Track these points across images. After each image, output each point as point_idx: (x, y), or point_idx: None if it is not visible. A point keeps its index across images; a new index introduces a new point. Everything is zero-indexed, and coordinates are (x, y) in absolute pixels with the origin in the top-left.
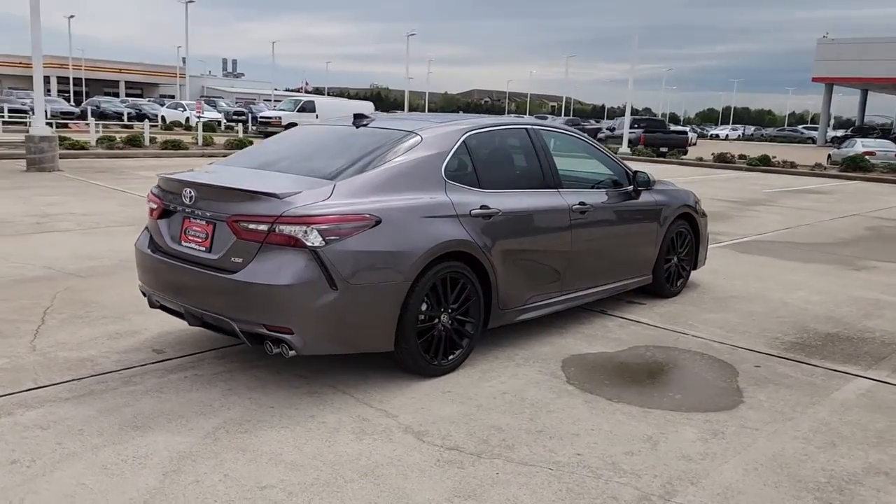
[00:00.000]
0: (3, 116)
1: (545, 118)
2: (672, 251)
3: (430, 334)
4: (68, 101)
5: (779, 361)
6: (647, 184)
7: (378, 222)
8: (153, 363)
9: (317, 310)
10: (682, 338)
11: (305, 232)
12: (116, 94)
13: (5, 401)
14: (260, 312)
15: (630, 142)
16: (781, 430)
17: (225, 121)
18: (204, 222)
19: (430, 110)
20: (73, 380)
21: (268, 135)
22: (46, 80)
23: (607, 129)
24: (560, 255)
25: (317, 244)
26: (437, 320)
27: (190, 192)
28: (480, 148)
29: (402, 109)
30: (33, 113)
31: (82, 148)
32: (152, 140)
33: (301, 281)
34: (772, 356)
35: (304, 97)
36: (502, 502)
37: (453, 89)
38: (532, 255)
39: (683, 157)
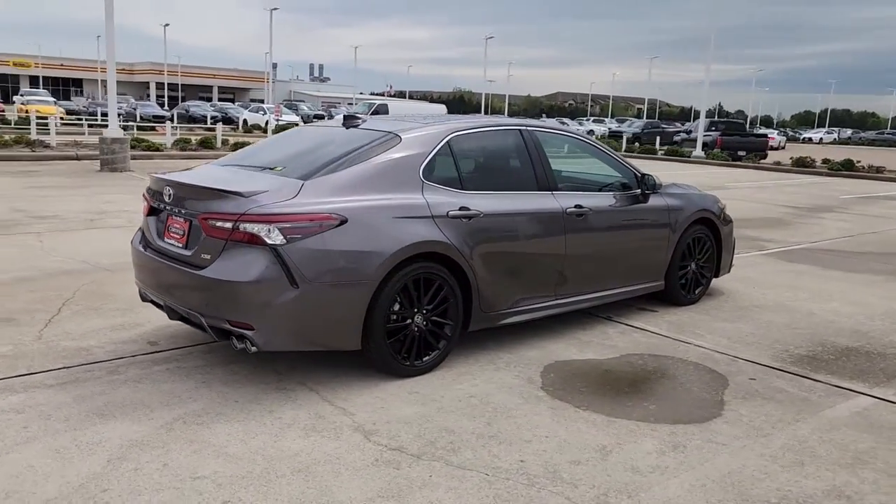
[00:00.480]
0: (96, 119)
1: (624, 121)
2: (689, 257)
3: (403, 335)
4: (162, 105)
5: (778, 375)
6: (654, 187)
7: (343, 222)
8: (143, 354)
9: (277, 307)
10: (682, 347)
11: (267, 230)
12: (210, 99)
13: None
14: (224, 308)
15: (705, 144)
16: (750, 446)
17: (302, 123)
18: (182, 219)
19: (511, 113)
20: (63, 367)
21: None
22: (146, 85)
23: (684, 131)
24: (554, 259)
25: (278, 242)
26: (410, 321)
27: (169, 191)
28: (465, 149)
29: (484, 112)
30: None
31: (156, 149)
32: (224, 142)
33: (261, 278)
34: (773, 369)
35: (378, 100)
36: None
37: (537, 92)
38: (520, 258)
39: (761, 161)
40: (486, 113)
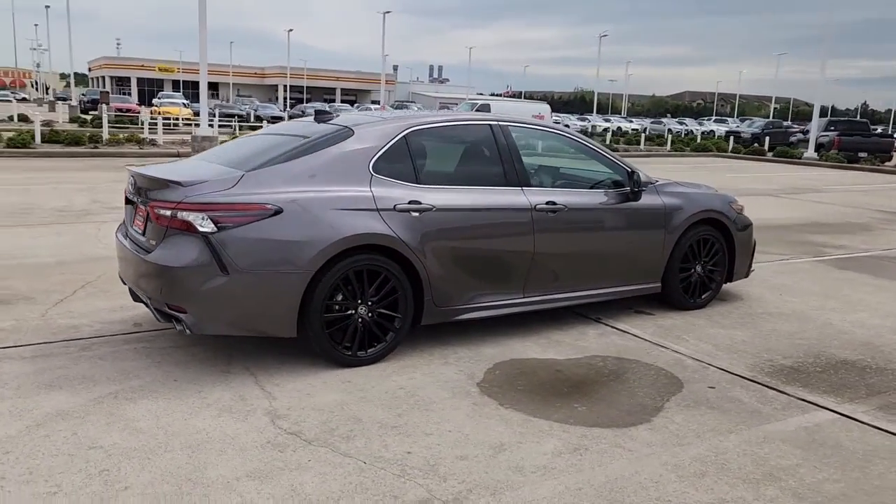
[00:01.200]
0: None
1: (745, 121)
2: (692, 260)
3: (345, 325)
4: (292, 107)
5: (744, 385)
6: (640, 184)
7: (278, 212)
8: (123, 334)
9: (206, 292)
10: (657, 352)
11: (200, 218)
12: (333, 100)
13: None
14: (163, 291)
15: (821, 146)
16: (659, 454)
17: None
18: (144, 208)
19: (635, 114)
20: (45, 342)
21: None
22: (275, 88)
23: (801, 132)
24: (520, 256)
25: (209, 230)
26: (353, 312)
27: (133, 182)
28: (424, 144)
29: (605, 112)
30: (252, 116)
31: None
32: None
33: (192, 264)
34: (743, 378)
35: (481, 100)
36: (285, 486)
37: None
38: (479, 253)
39: (884, 164)
40: (599, 113)
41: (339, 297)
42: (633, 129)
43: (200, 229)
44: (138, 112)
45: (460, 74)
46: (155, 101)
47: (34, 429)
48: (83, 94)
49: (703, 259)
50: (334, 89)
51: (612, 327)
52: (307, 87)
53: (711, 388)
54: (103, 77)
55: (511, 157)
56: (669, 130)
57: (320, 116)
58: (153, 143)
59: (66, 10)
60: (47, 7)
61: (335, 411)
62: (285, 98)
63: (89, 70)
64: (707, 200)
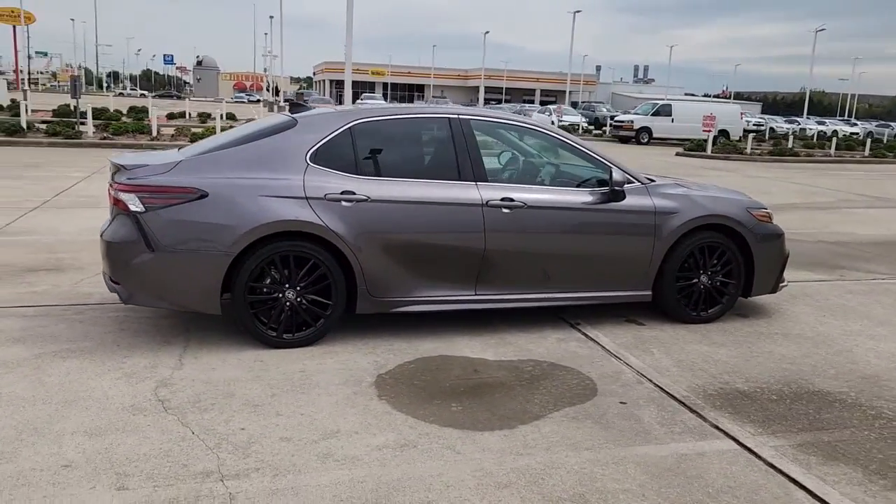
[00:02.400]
0: None
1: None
2: (695, 269)
3: (272, 307)
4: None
5: (664, 404)
6: (615, 183)
7: (203, 196)
8: (114, 303)
9: (134, 267)
10: (605, 362)
11: (132, 199)
12: (532, 101)
13: None
14: (107, 265)
15: None
16: (484, 460)
17: (586, 124)
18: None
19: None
20: (54, 305)
21: (620, 138)
22: (476, 89)
23: None
24: (469, 253)
25: (138, 210)
26: (280, 295)
27: (110, 168)
28: (371, 136)
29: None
30: None
31: None
32: None
33: (124, 241)
34: (671, 398)
35: (661, 101)
36: (103, 444)
37: None
38: (421, 247)
39: None
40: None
41: (267, 281)
42: (851, 133)
43: (131, 209)
44: None
45: (674, 75)
46: (358, 102)
47: None
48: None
49: (710, 269)
50: (534, 90)
51: (583, 333)
52: (506, 88)
53: (623, 403)
54: (324, 80)
55: (467, 151)
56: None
57: (294, 108)
58: None
59: (296, 18)
60: (271, 17)
61: (218, 386)
62: (486, 100)
63: (314, 74)
64: (713, 204)
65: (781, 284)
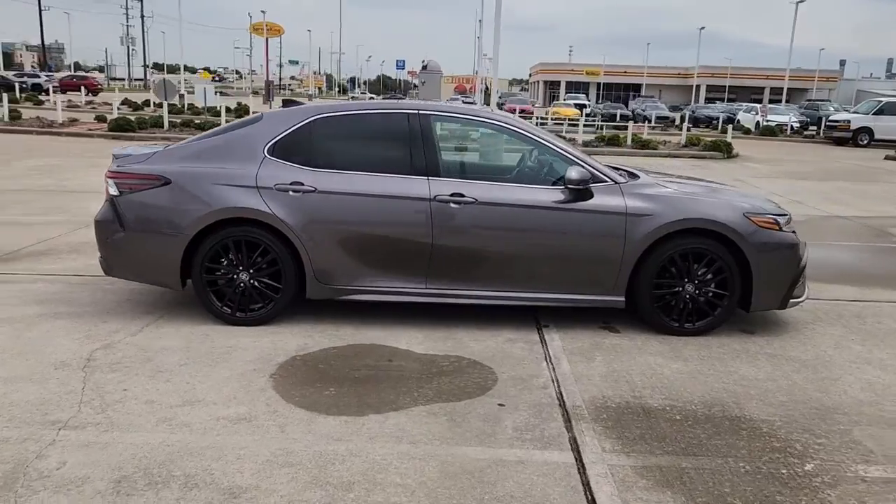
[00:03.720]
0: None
1: None
2: (677, 277)
3: (227, 287)
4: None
5: (545, 412)
6: (569, 181)
7: (167, 183)
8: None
9: (109, 243)
10: (533, 366)
11: (112, 184)
12: (760, 100)
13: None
14: (96, 241)
15: None
16: (295, 440)
17: (797, 124)
18: None
19: None
20: (74, 275)
21: (835, 140)
22: (697, 88)
23: None
24: (417, 246)
25: (115, 194)
26: (234, 276)
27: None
28: (327, 130)
29: None
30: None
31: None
32: (635, 140)
33: (103, 220)
34: (560, 407)
35: (887, 99)
36: None
37: None
38: (366, 238)
39: None
40: None
41: (223, 262)
42: None
43: (110, 192)
44: (531, 113)
45: None
46: (555, 102)
47: None
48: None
49: (695, 278)
50: (762, 88)
51: (541, 335)
52: (730, 86)
53: (501, 405)
54: (538, 81)
55: (422, 145)
56: None
57: (286, 103)
58: None
59: (516, 22)
60: (479, 21)
61: (147, 352)
62: (708, 99)
63: (529, 75)
64: (697, 207)
65: (796, 300)
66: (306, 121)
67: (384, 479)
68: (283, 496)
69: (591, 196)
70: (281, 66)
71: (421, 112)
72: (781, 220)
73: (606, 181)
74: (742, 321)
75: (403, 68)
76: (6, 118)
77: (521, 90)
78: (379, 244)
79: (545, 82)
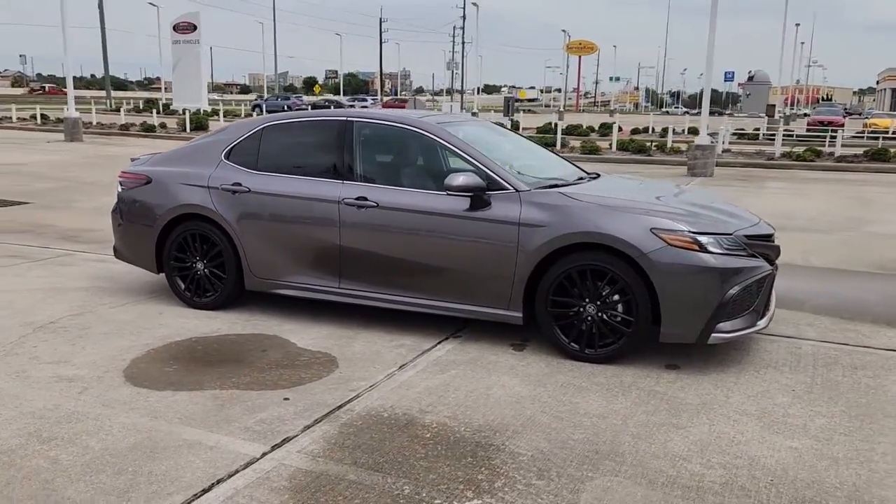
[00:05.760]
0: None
1: None
2: (580, 297)
3: (189, 274)
4: None
5: (304, 415)
6: (448, 187)
7: (148, 181)
8: None
9: (117, 231)
10: (366, 371)
11: (119, 182)
12: None
13: None
14: None
15: None
16: (53, 389)
17: None
18: None
19: None
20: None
21: None
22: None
23: None
24: (328, 247)
25: (119, 190)
26: (192, 265)
27: None
28: (274, 137)
29: None
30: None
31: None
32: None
33: (113, 212)
34: (323, 412)
35: None
36: None
37: None
38: (287, 236)
39: None
40: None
41: (187, 253)
42: None
43: (118, 189)
44: (841, 125)
45: None
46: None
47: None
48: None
49: (600, 299)
50: None
51: (438, 343)
52: None
53: (287, 399)
54: (885, 89)
55: (343, 151)
56: None
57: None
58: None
59: (862, 20)
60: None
61: (100, 322)
62: None
63: (877, 83)
64: (599, 219)
65: (720, 335)
66: (258, 128)
67: (85, 441)
68: None
69: (488, 204)
70: (597, 82)
71: (348, 119)
72: (707, 239)
73: (508, 189)
74: (680, 353)
75: (732, 80)
76: None
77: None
78: (300, 243)
79: (893, 90)
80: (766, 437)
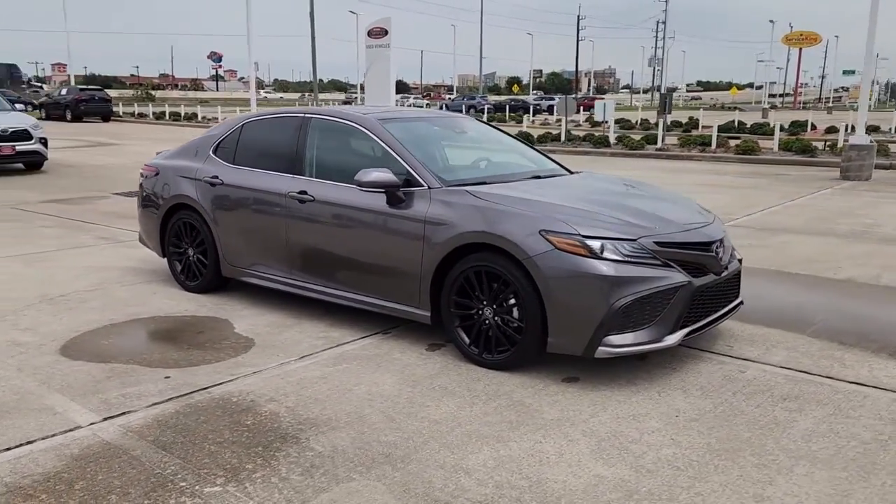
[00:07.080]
0: None
1: None
2: (478, 299)
3: (183, 260)
4: None
5: (162, 395)
6: (360, 184)
7: (157, 173)
8: None
9: (139, 215)
10: (272, 359)
11: (141, 174)
12: None
13: None
14: None
15: None
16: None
17: None
18: None
19: None
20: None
21: None
22: None
23: None
24: (277, 239)
25: (141, 181)
26: (184, 251)
27: None
28: (251, 133)
29: None
30: None
31: None
32: None
33: (138, 198)
34: (178, 393)
35: None
36: None
37: None
38: (249, 227)
39: None
40: None
41: (180, 240)
42: None
43: (140, 180)
44: None
45: None
46: None
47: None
48: None
49: (495, 303)
50: None
51: (363, 338)
52: None
53: (168, 377)
54: None
55: (297, 146)
56: None
57: None
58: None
59: None
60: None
61: (91, 297)
62: None
63: None
64: (497, 218)
65: (607, 349)
66: (240, 124)
67: None
68: None
69: (402, 201)
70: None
71: (306, 115)
72: (600, 243)
73: (423, 185)
74: (592, 367)
75: None
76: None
77: None
78: (258, 233)
79: None
80: (583, 462)
